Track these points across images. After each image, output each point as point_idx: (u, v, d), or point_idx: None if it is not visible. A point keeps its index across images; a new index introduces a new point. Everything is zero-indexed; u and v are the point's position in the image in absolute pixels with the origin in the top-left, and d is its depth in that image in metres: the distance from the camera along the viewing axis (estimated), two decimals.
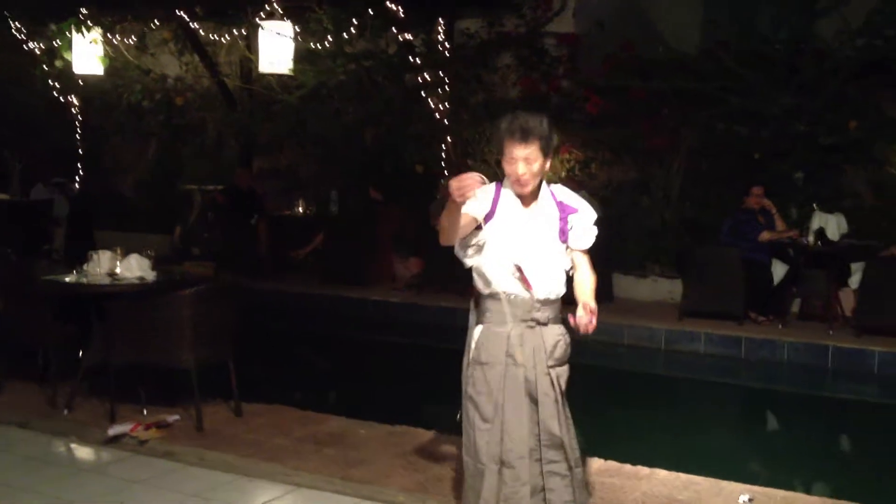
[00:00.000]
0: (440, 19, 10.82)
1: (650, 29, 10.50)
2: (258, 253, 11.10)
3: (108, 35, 10.95)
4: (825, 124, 9.17)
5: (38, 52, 11.67)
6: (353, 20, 10.22)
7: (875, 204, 9.27)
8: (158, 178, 13.48)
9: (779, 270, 8.74)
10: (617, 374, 7.90)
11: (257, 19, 10.01)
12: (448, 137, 10.74)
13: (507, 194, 3.42)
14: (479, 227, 3.36)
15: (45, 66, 11.65)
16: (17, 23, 11.66)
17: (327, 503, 4.27)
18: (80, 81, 11.97)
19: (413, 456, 4.82)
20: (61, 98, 12.63)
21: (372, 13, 10.15)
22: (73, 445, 5.09)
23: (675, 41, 9.79)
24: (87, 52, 10.73)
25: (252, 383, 5.78)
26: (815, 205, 8.89)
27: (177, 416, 5.35)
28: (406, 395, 6.84)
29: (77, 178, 13.48)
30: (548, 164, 3.39)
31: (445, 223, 3.32)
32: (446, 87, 10.61)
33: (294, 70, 10.24)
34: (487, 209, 3.35)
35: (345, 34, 10.31)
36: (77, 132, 13.40)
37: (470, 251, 3.43)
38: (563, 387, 3.43)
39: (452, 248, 3.45)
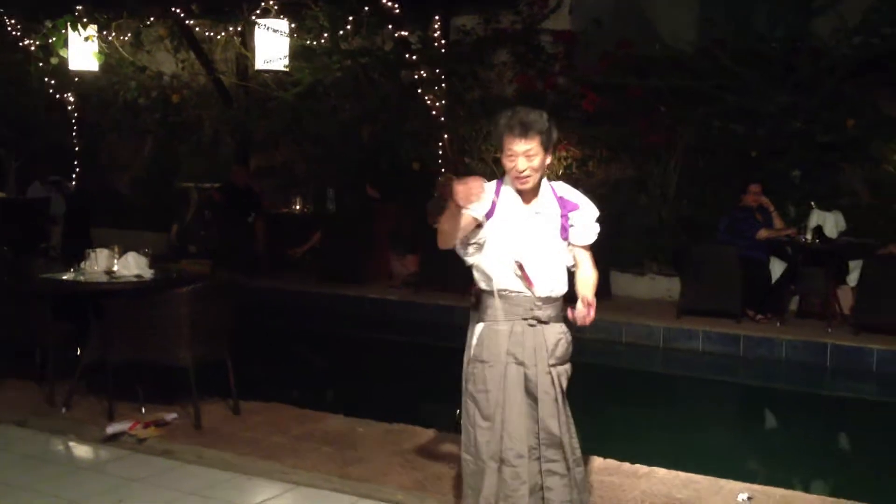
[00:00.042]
0: (436, 16, 10.80)
1: (647, 27, 10.51)
2: (255, 251, 11.09)
3: (104, 32, 10.90)
4: (822, 122, 9.18)
5: (33, 50, 11.62)
6: (349, 17, 10.19)
7: (872, 202, 9.28)
8: (155, 176, 13.45)
9: (777, 268, 8.75)
10: (615, 372, 7.90)
11: (253, 16, 9.98)
12: (445, 134, 10.73)
13: (508, 191, 3.41)
14: (479, 226, 3.35)
15: (40, 64, 11.60)
16: (11, 20, 11.61)
17: (325, 501, 4.26)
18: (75, 79, 11.93)
19: (411, 454, 4.82)
20: (57, 96, 12.59)
21: (367, 10, 10.12)
22: (71, 444, 5.09)
23: (672, 39, 9.79)
24: (82, 50, 10.68)
25: (250, 381, 5.77)
26: (812, 203, 8.89)
27: (175, 415, 5.35)
28: (404, 394, 6.84)
29: (73, 175, 13.44)
30: (548, 160, 3.37)
31: (446, 227, 3.30)
32: (442, 83, 10.59)
33: (290, 67, 10.21)
34: (487, 207, 3.33)
35: (340, 31, 10.28)
36: (73, 130, 13.37)
37: (471, 249, 3.42)
38: (564, 386, 3.42)
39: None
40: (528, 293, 3.33)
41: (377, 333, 9.23)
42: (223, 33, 11.06)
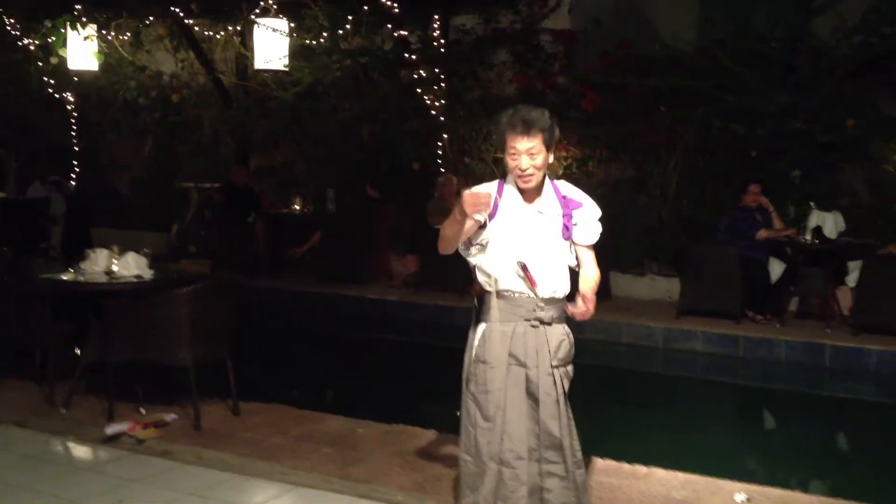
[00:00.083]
0: (435, 15, 10.80)
1: (647, 26, 10.51)
2: (255, 251, 11.09)
3: (103, 32, 10.91)
4: (822, 122, 9.18)
5: (33, 49, 11.62)
6: (349, 16, 10.20)
7: (872, 202, 9.28)
8: (155, 176, 13.45)
9: (776, 269, 8.74)
10: (615, 373, 7.90)
11: (252, 16, 9.98)
12: (444, 134, 10.74)
13: (510, 191, 3.40)
14: (482, 226, 3.35)
15: (39, 63, 11.61)
16: (11, 20, 11.61)
17: (325, 502, 4.26)
18: (75, 78, 11.94)
19: (411, 455, 4.82)
20: (56, 95, 12.59)
21: (367, 9, 10.12)
22: (71, 444, 5.09)
23: (672, 39, 9.79)
24: (81, 49, 10.69)
25: (250, 382, 5.77)
26: (811, 203, 8.89)
27: (174, 415, 5.35)
28: (404, 394, 6.84)
29: (73, 175, 13.44)
30: (551, 158, 3.37)
31: (448, 233, 3.31)
32: (442, 83, 10.60)
33: (289, 67, 10.21)
34: (489, 208, 3.33)
35: (340, 30, 10.29)
36: (73, 129, 13.37)
37: (473, 250, 3.41)
38: (567, 387, 3.41)
39: None
40: (531, 294, 3.32)
41: (377, 334, 9.23)
42: (223, 33, 11.07)
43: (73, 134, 13.39)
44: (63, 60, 10.92)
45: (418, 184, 10.73)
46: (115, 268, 5.48)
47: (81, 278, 5.47)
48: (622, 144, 10.10)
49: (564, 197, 3.42)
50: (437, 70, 10.51)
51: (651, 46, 9.92)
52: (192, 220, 10.53)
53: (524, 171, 3.30)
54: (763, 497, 4.35)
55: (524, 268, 3.27)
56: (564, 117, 9.89)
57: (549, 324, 3.36)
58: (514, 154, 3.30)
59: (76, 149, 13.51)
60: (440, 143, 10.76)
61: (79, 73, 11.42)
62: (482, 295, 3.45)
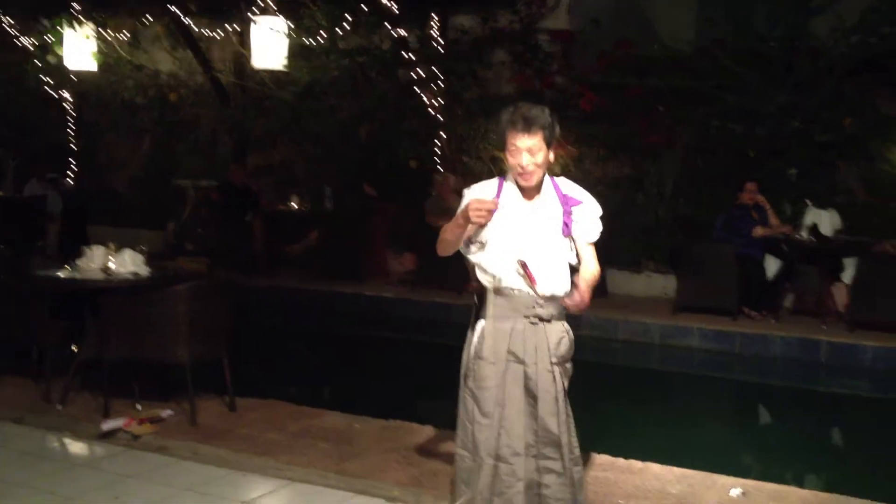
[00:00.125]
0: (434, 15, 10.81)
1: (646, 26, 10.51)
2: (253, 249, 11.09)
3: (101, 31, 10.92)
4: (821, 122, 9.19)
5: (32, 49, 11.63)
6: (347, 16, 10.20)
7: (868, 200, 9.29)
8: (152, 175, 13.44)
9: (772, 266, 8.76)
10: (611, 369, 7.91)
11: (250, 15, 9.99)
12: (442, 133, 10.74)
13: (510, 188, 3.39)
14: (482, 225, 3.35)
15: (37, 63, 11.61)
16: (9, 19, 11.62)
17: (321, 497, 4.27)
18: (72, 77, 11.95)
19: (408, 450, 4.82)
20: (54, 94, 12.60)
21: (365, 9, 10.13)
22: (67, 440, 5.10)
23: (671, 39, 9.80)
24: (79, 48, 10.71)
25: (246, 379, 5.77)
26: (808, 201, 8.91)
27: (170, 411, 5.35)
28: (400, 390, 6.85)
29: (71, 173, 13.45)
30: (551, 155, 3.37)
31: (450, 237, 3.31)
32: (440, 82, 10.60)
33: (287, 66, 10.22)
34: (492, 216, 3.32)
35: (338, 30, 10.30)
36: (70, 128, 13.37)
37: (473, 248, 3.41)
38: (566, 384, 3.41)
39: None
40: (530, 291, 3.31)
41: (374, 331, 9.24)
42: (221, 32, 11.07)
43: (71, 132, 13.37)
44: (61, 59, 10.95)
45: (416, 183, 10.74)
46: (111, 265, 5.48)
47: (78, 276, 5.47)
48: (621, 144, 10.11)
49: (564, 194, 3.42)
50: (435, 69, 10.52)
51: (650, 46, 9.92)
52: (190, 218, 10.56)
53: (525, 168, 3.29)
54: (758, 491, 4.36)
55: (524, 265, 3.26)
56: (562, 117, 9.86)
57: (549, 321, 3.36)
58: (514, 151, 3.30)
59: (74, 147, 13.51)
60: (438, 143, 10.77)
61: (77, 73, 11.44)
62: (482, 292, 3.45)
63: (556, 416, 3.34)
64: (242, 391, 5.63)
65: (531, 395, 3.35)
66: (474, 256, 3.42)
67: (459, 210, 3.26)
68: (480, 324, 3.42)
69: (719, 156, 9.76)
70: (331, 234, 10.78)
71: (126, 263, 5.50)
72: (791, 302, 8.89)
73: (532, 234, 3.34)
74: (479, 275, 3.43)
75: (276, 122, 11.76)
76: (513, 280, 3.33)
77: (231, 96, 12.18)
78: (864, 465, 5.58)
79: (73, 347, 5.65)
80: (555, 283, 3.35)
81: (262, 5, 9.91)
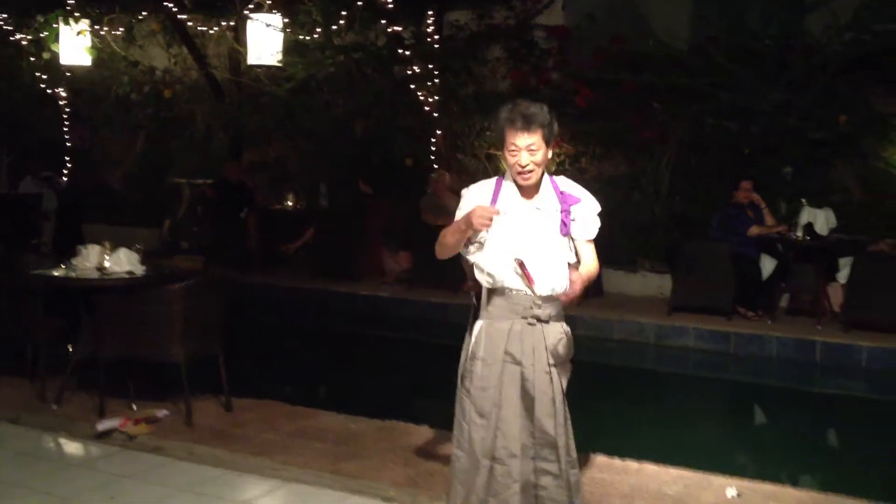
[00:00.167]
0: (429, 11, 10.79)
1: (640, 23, 10.51)
2: (248, 247, 11.07)
3: (96, 27, 10.88)
4: (815, 119, 9.21)
5: (25, 45, 11.58)
6: (342, 12, 10.18)
7: (863, 198, 9.31)
8: (147, 172, 13.41)
9: (767, 265, 8.76)
10: (606, 369, 7.91)
11: (246, 11, 9.96)
12: (438, 130, 10.73)
13: (509, 187, 3.38)
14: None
15: (32, 59, 11.56)
16: (3, 14, 11.57)
17: (316, 497, 4.27)
18: (67, 73, 11.90)
19: (404, 451, 4.83)
20: (49, 91, 12.55)
21: (361, 5, 10.11)
22: (62, 440, 5.09)
23: (666, 36, 9.80)
24: (74, 44, 10.65)
25: (242, 378, 5.77)
26: (803, 200, 8.92)
27: (166, 411, 5.35)
28: (396, 390, 6.85)
29: (65, 171, 13.40)
30: (549, 153, 3.35)
31: (450, 241, 3.31)
32: (435, 79, 10.59)
33: (283, 62, 10.20)
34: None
35: (334, 26, 10.28)
36: (65, 125, 13.32)
37: (472, 248, 3.40)
38: (564, 386, 3.39)
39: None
40: (528, 291, 3.30)
41: (370, 330, 9.23)
42: (216, 28, 11.04)
43: (65, 129, 13.32)
44: (55, 55, 10.89)
45: (411, 180, 10.73)
46: (106, 264, 5.47)
47: (73, 274, 5.46)
48: (615, 140, 10.11)
49: (563, 193, 3.39)
50: (430, 66, 10.50)
51: (645, 43, 9.92)
52: (185, 215, 10.53)
53: (524, 167, 3.27)
54: (753, 492, 4.37)
55: (521, 265, 3.24)
56: (559, 113, 9.90)
57: (547, 322, 3.34)
58: (513, 150, 3.27)
59: (68, 144, 13.46)
60: (433, 139, 10.75)
61: (71, 69, 11.38)
62: (480, 292, 3.44)
63: (553, 417, 3.33)
64: (238, 390, 5.63)
65: (528, 397, 3.33)
66: (472, 256, 3.41)
67: (461, 216, 3.25)
68: (478, 324, 3.42)
69: (713, 153, 9.77)
70: (326, 231, 10.76)
71: (122, 262, 5.49)
72: (786, 302, 8.90)
73: (531, 233, 3.32)
74: (478, 275, 3.42)
75: (272, 118, 11.73)
76: (511, 280, 3.32)
77: (226, 92, 12.15)
78: (859, 466, 5.60)
79: (69, 346, 5.64)
80: (553, 282, 3.32)
81: (258, 1, 9.88)
